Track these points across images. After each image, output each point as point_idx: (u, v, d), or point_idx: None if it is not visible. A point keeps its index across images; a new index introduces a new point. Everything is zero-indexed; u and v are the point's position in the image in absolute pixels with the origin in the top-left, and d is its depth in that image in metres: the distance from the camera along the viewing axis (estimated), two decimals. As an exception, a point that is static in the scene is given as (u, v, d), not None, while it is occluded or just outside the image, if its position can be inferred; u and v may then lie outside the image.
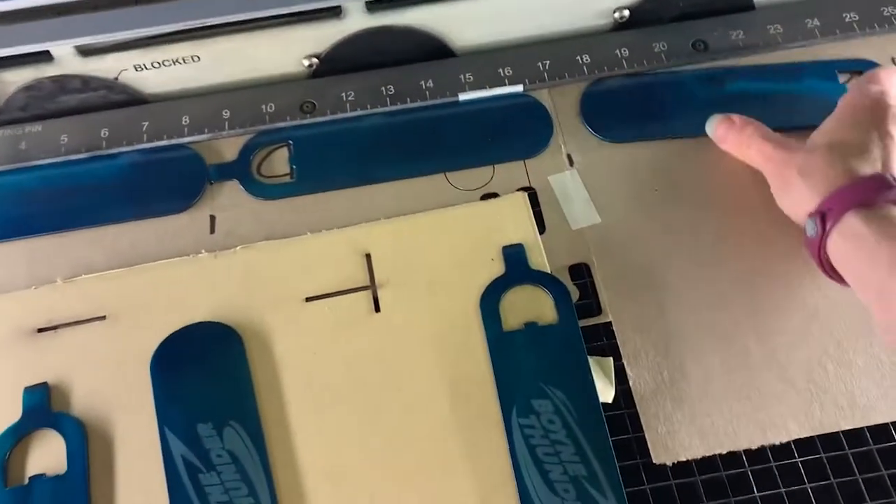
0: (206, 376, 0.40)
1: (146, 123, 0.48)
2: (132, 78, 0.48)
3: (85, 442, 0.39)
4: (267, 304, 0.42)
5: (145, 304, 0.42)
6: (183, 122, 0.48)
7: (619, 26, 0.51)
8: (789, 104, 0.48)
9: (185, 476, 0.37)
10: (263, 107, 0.49)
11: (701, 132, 0.46)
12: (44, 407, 0.40)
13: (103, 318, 0.42)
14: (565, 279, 0.42)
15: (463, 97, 0.48)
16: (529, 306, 0.41)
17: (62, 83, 0.48)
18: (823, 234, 0.37)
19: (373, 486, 0.38)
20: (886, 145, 0.38)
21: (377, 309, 0.42)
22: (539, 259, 0.42)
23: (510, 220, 0.44)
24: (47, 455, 0.39)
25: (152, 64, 0.48)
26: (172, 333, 0.41)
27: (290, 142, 0.48)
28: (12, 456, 0.39)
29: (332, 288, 0.42)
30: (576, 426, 0.37)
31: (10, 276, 0.44)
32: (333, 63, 0.50)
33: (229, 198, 0.46)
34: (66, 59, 0.46)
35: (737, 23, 0.51)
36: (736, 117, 0.44)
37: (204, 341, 0.41)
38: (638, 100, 0.49)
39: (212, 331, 0.41)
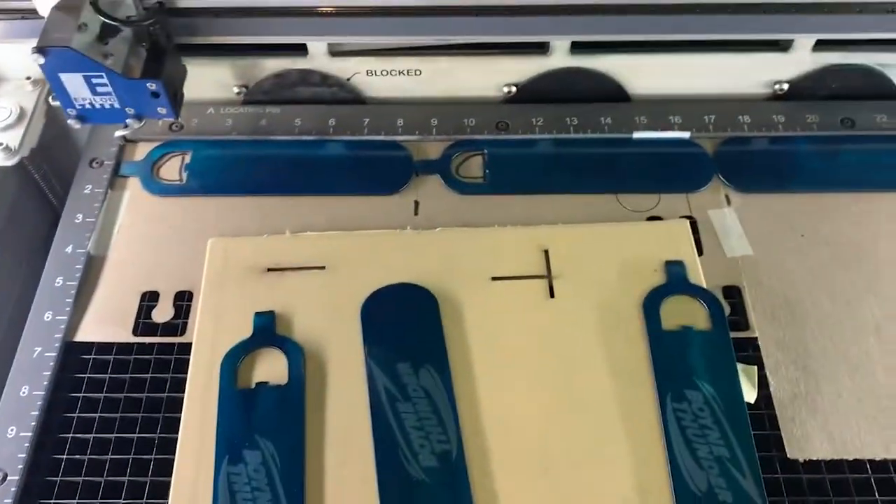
0: (407, 326, 0.47)
1: (367, 120, 0.57)
2: (361, 81, 0.58)
3: (303, 361, 0.46)
4: (459, 276, 0.49)
5: (358, 262, 0.50)
6: (398, 124, 0.57)
7: (777, 97, 0.59)
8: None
9: (385, 401, 0.44)
10: (465, 120, 0.57)
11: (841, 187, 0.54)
12: (270, 329, 0.48)
13: (322, 268, 0.50)
14: (719, 296, 0.49)
15: (637, 135, 0.56)
16: (686, 313, 0.48)
17: (305, 76, 0.57)
18: None
19: (539, 435, 0.44)
20: None
21: (552, 295, 0.49)
22: (696, 276, 0.49)
23: (673, 241, 0.51)
24: (271, 369, 0.46)
25: (381, 72, 0.57)
26: (381, 288, 0.49)
27: (485, 151, 0.56)
28: (242, 365, 0.46)
29: (514, 272, 0.50)
30: (722, 415, 0.43)
31: (245, 225, 0.53)
32: (528, 93, 0.58)
33: (431, 189, 0.55)
34: (317, 55, 0.56)
35: (882, 108, 0.58)
36: None
37: (406, 298, 0.48)
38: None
39: (414, 291, 0.49)
